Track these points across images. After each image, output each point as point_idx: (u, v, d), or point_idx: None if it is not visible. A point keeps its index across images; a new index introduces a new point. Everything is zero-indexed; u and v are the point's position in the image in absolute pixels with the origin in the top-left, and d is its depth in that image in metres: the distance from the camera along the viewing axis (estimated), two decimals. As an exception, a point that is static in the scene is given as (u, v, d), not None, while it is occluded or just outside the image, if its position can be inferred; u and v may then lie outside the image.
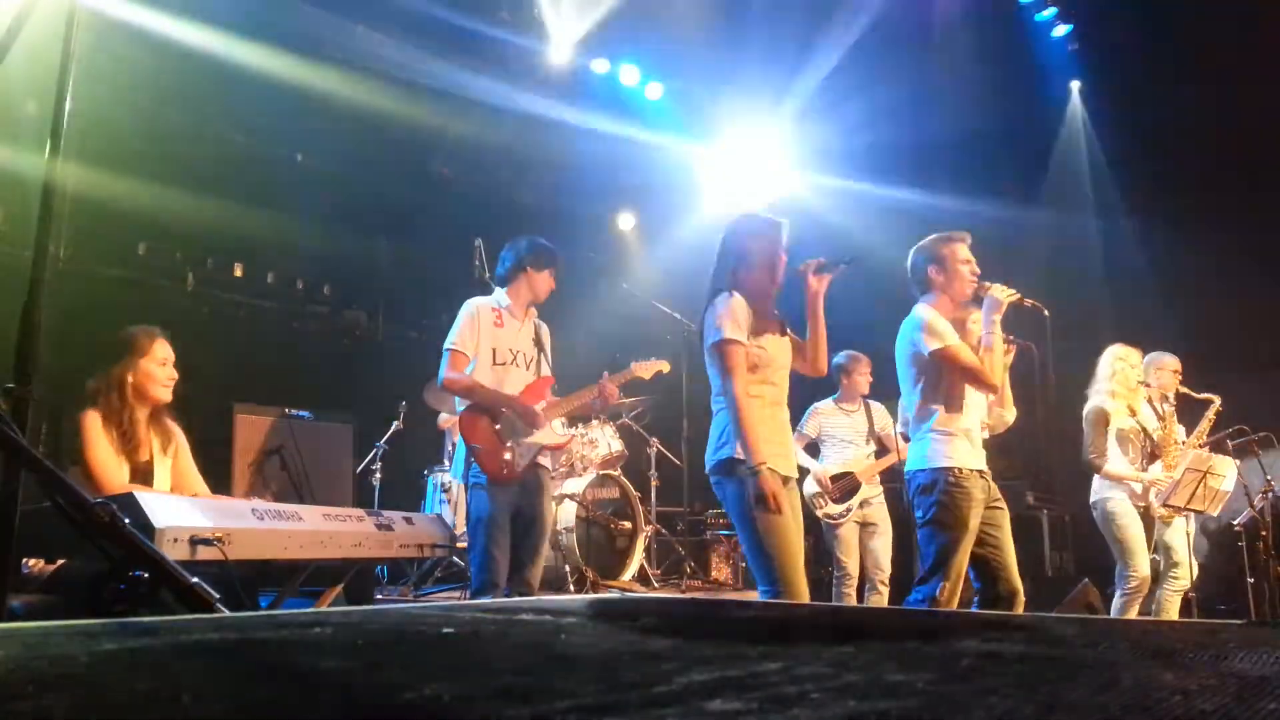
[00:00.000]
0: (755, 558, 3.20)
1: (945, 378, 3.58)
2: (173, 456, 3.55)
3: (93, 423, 3.31)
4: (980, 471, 3.57)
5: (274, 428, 5.41)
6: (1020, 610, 3.50)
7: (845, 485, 5.58)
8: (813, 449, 5.80)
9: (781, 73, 8.17)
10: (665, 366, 4.83)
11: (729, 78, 8.40)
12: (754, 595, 5.93)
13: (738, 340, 3.21)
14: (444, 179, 8.45)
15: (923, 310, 3.65)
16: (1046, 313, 3.71)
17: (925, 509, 3.55)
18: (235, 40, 6.58)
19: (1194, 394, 5.32)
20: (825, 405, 5.75)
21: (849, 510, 5.54)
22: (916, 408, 3.67)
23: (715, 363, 3.27)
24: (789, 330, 3.45)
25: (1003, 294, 3.58)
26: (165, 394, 3.51)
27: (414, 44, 7.57)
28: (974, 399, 3.64)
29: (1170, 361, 5.42)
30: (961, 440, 3.55)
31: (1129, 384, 5.25)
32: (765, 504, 3.10)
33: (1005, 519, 3.61)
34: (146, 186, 6.34)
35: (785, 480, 3.26)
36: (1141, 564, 4.99)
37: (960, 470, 3.50)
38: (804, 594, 3.17)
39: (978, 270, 3.68)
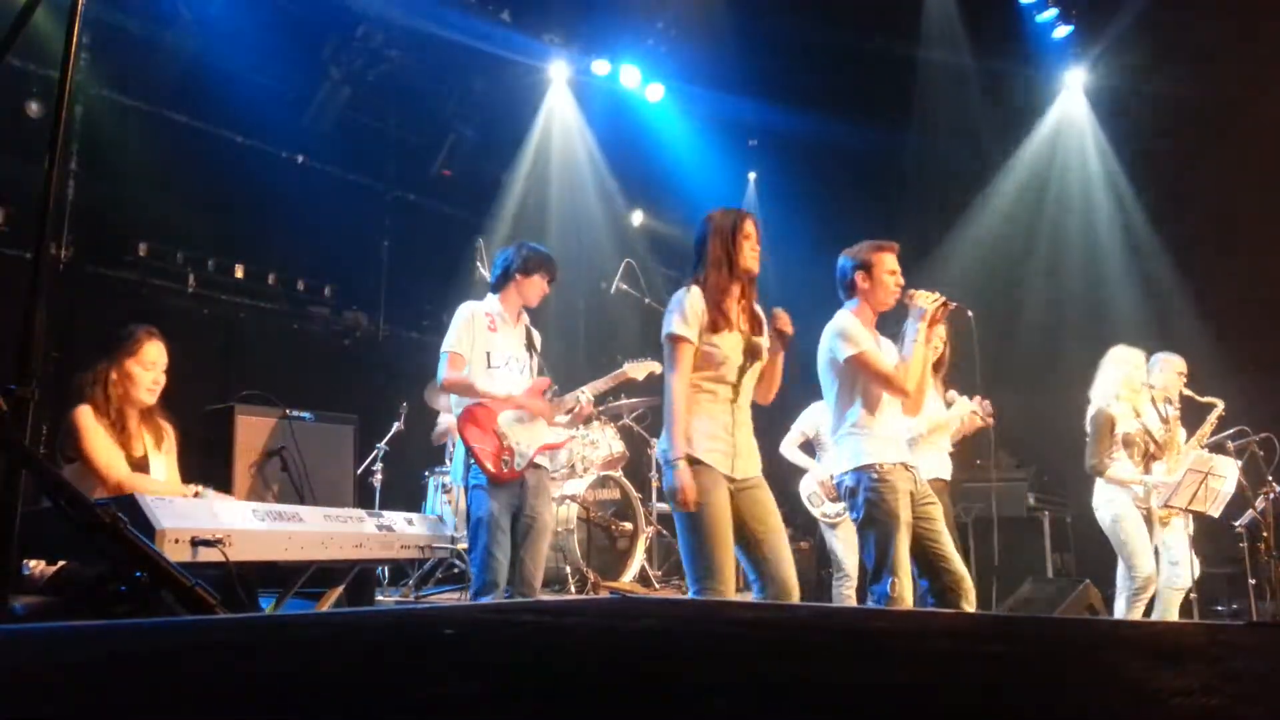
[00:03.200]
0: (682, 551, 3.22)
1: (861, 381, 3.62)
2: (167, 454, 3.55)
3: (86, 416, 3.30)
4: (905, 465, 3.59)
5: (275, 429, 5.39)
6: (971, 597, 3.54)
7: (845, 485, 5.58)
8: (809, 448, 5.79)
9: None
10: (658, 367, 4.83)
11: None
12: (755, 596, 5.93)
13: (684, 336, 3.26)
14: (444, 179, 8.46)
15: (841, 317, 3.70)
16: (971, 314, 3.72)
17: (855, 511, 3.59)
18: (236, 40, 6.60)
19: (1198, 397, 5.31)
20: (823, 404, 5.75)
21: (846, 510, 5.54)
22: (834, 411, 3.70)
23: (664, 355, 3.35)
24: (765, 328, 3.44)
25: (926, 301, 3.61)
26: (149, 398, 3.47)
27: (415, 44, 7.59)
28: (893, 400, 3.67)
29: (1176, 363, 5.40)
30: (880, 437, 3.58)
31: (1133, 385, 5.23)
32: (675, 497, 3.14)
33: (938, 511, 3.64)
34: (147, 187, 6.35)
35: (733, 480, 3.25)
36: (1146, 565, 4.98)
37: (881, 465, 3.52)
38: (731, 589, 3.16)
39: (902, 281, 3.70)
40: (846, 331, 3.62)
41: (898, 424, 3.70)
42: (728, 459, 3.25)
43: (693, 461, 3.19)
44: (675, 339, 3.26)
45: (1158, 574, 5.11)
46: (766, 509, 3.29)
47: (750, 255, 3.37)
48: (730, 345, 3.31)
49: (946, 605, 3.47)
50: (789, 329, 3.38)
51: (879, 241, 3.75)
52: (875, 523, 3.50)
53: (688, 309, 3.27)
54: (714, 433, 3.25)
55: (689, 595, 3.23)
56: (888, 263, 3.69)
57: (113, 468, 3.27)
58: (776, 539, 3.27)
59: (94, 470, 3.23)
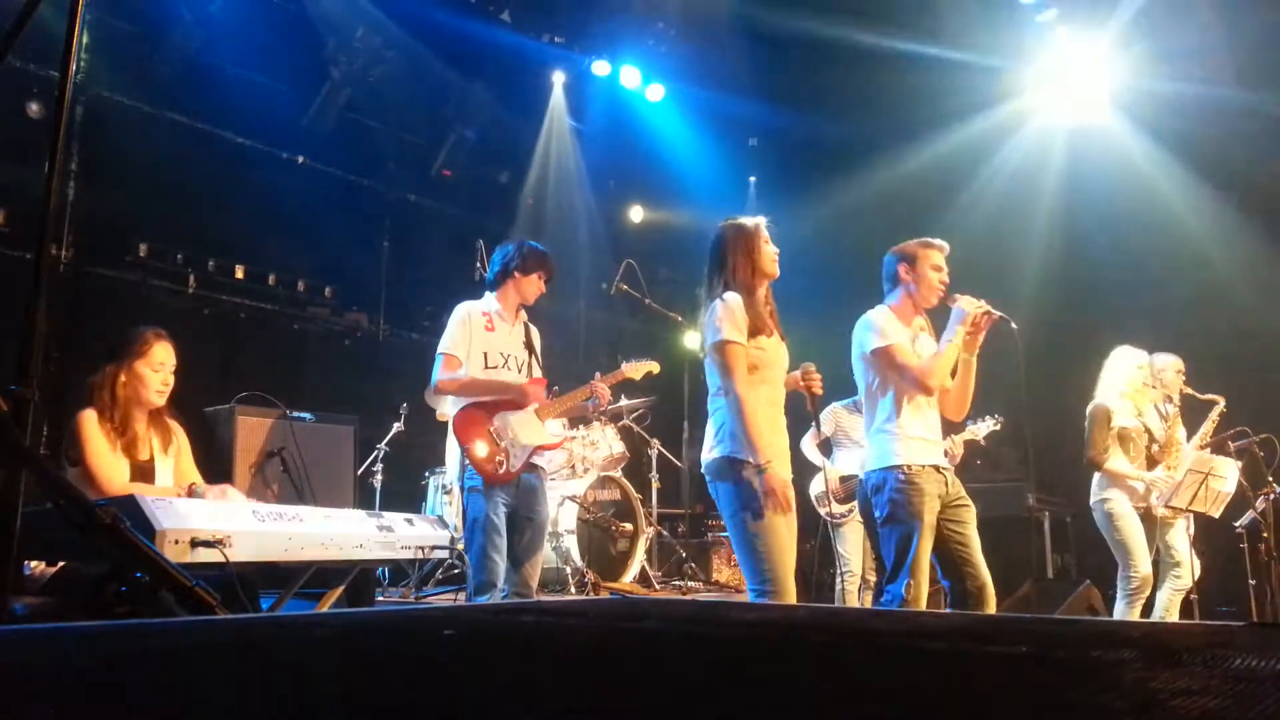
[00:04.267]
0: (746, 557, 3.22)
1: (893, 377, 3.61)
2: (175, 456, 3.54)
3: (89, 422, 3.28)
4: (936, 467, 3.57)
5: (275, 429, 5.40)
6: (991, 604, 3.52)
7: (852, 486, 5.58)
8: (825, 448, 5.78)
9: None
10: (655, 367, 4.84)
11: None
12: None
13: (737, 341, 3.25)
14: (444, 179, 8.47)
15: (875, 311, 3.70)
16: (1014, 325, 3.68)
17: (880, 509, 3.58)
18: (236, 40, 6.60)
19: (1198, 395, 5.31)
20: (842, 406, 5.74)
21: (852, 511, 5.54)
22: (866, 408, 3.69)
23: (716, 363, 3.31)
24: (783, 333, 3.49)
25: (970, 305, 3.59)
26: (158, 399, 3.47)
27: (415, 44, 7.59)
28: (925, 398, 3.65)
29: (1174, 362, 5.42)
30: (912, 437, 3.56)
31: (1135, 385, 5.24)
32: (775, 500, 3.14)
33: (970, 514, 3.62)
34: (147, 187, 6.35)
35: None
36: (1142, 564, 4.98)
37: (910, 467, 3.51)
38: (792, 594, 3.19)
39: (947, 280, 3.69)
40: (875, 323, 3.62)
41: (933, 424, 3.68)
42: (781, 461, 3.29)
43: (740, 464, 3.21)
44: (728, 344, 3.26)
45: (1166, 573, 5.11)
46: (790, 516, 3.30)
47: (772, 261, 3.43)
48: (774, 349, 3.35)
49: (966, 609, 3.45)
50: (819, 391, 3.43)
51: (927, 239, 3.75)
52: (897, 522, 3.49)
53: (736, 314, 3.28)
54: (769, 436, 3.27)
55: (749, 598, 3.25)
56: (933, 258, 3.69)
57: (112, 480, 3.25)
58: (790, 549, 3.29)
59: (93, 478, 3.22)
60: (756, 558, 3.17)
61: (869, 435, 3.68)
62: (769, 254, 3.42)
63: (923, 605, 3.44)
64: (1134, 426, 5.17)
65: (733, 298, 3.31)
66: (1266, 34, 6.52)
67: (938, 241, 3.73)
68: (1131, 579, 4.98)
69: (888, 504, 3.52)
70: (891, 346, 3.56)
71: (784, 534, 3.19)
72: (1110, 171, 7.80)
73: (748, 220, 3.48)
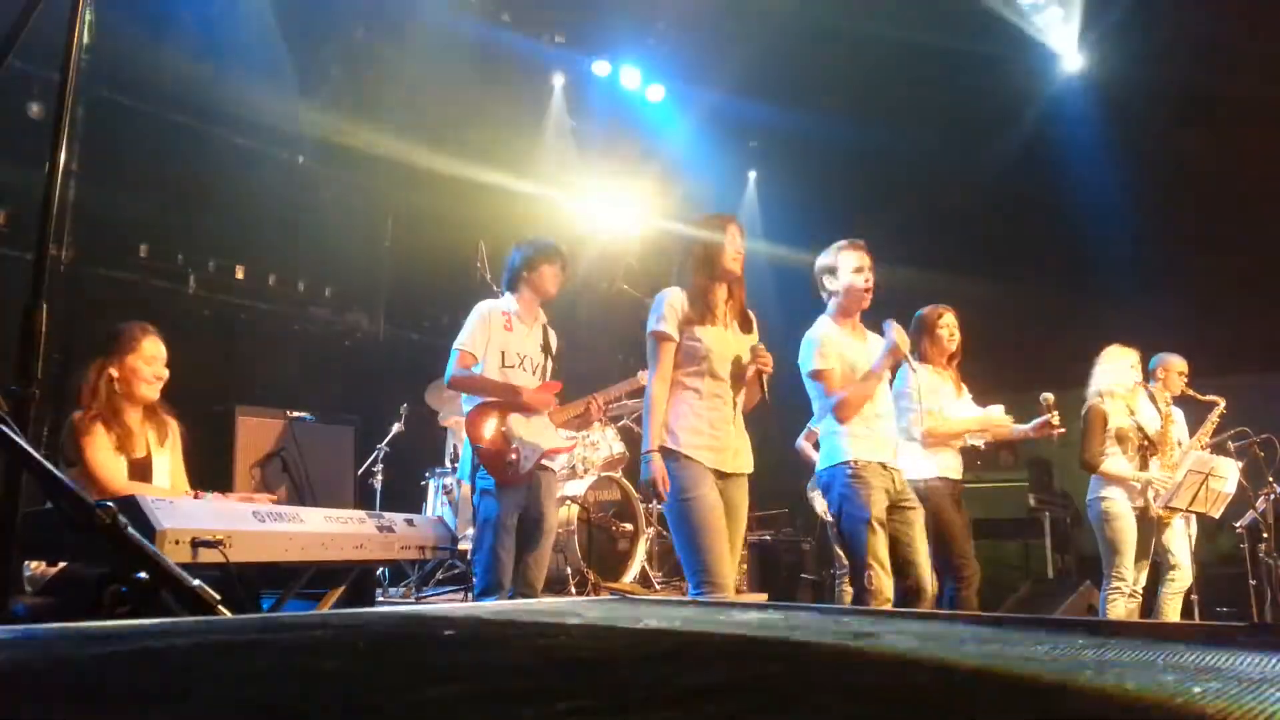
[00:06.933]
0: (681, 549, 3.27)
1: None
2: (170, 451, 3.53)
3: (85, 421, 3.27)
4: (882, 464, 3.65)
5: (276, 430, 5.41)
6: (928, 602, 3.67)
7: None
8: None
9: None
10: None
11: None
12: (756, 597, 5.92)
13: (664, 333, 3.35)
14: (445, 179, 8.46)
15: (817, 328, 3.78)
16: (915, 369, 3.98)
17: (834, 505, 3.70)
18: (236, 40, 6.60)
19: (1199, 396, 5.30)
20: None
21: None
22: (819, 412, 3.79)
23: (647, 353, 3.42)
24: (755, 326, 3.53)
25: (901, 339, 3.69)
26: (152, 392, 3.45)
27: (415, 45, 7.59)
28: (875, 402, 3.73)
29: (1177, 363, 5.41)
30: (859, 436, 3.65)
31: (1126, 384, 5.23)
32: (652, 488, 3.22)
33: (917, 516, 3.72)
34: (147, 187, 6.35)
35: (723, 475, 3.31)
36: (1127, 565, 4.94)
37: (856, 461, 3.61)
38: (729, 589, 3.20)
39: (871, 279, 3.74)
40: (819, 343, 3.71)
41: (885, 425, 3.76)
42: (714, 454, 3.30)
43: (670, 454, 3.25)
44: (655, 335, 3.36)
45: (1163, 574, 5.10)
46: (735, 511, 3.34)
47: (732, 258, 3.44)
48: (715, 340, 3.36)
49: (908, 606, 3.54)
50: (767, 369, 3.39)
51: (844, 241, 3.79)
52: (848, 517, 3.60)
53: (668, 307, 3.36)
54: (699, 428, 3.30)
55: (689, 594, 3.24)
56: (851, 262, 3.74)
57: (112, 479, 3.24)
58: (734, 540, 3.32)
59: (93, 478, 3.21)
60: (689, 550, 3.21)
61: (822, 438, 3.79)
62: (729, 252, 3.43)
63: (887, 594, 3.50)
64: (1129, 425, 5.16)
65: (672, 292, 3.40)
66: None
67: (854, 241, 3.78)
68: (1113, 578, 4.96)
69: (839, 499, 3.63)
70: (825, 373, 3.67)
71: (712, 527, 3.20)
72: (1109, 168, 7.80)
73: (714, 217, 3.52)
